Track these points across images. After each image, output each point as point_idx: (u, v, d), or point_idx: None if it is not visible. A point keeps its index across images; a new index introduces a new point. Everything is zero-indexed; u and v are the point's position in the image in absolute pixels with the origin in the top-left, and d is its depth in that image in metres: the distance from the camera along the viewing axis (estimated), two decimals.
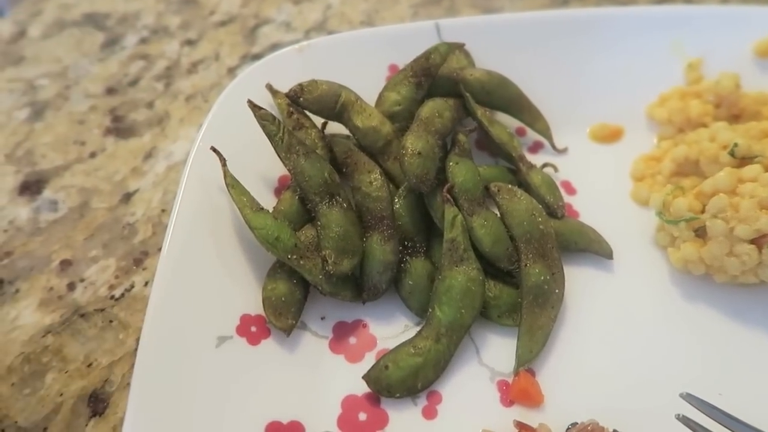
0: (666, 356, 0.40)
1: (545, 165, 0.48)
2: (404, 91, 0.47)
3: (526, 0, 0.67)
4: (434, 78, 0.47)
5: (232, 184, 0.41)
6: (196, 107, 0.57)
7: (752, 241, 0.39)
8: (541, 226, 0.41)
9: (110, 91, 0.59)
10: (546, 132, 0.50)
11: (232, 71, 0.60)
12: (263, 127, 0.43)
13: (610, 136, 0.51)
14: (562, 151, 0.50)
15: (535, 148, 0.51)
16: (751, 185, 0.40)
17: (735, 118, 0.48)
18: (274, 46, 0.63)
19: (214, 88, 0.58)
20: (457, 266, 0.39)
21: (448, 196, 0.41)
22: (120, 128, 0.55)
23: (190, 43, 0.63)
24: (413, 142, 0.42)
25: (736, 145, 0.41)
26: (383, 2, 0.67)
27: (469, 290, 0.39)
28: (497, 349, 0.40)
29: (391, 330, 0.40)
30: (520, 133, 0.52)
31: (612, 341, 0.40)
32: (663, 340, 0.41)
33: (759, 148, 0.42)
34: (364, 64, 0.51)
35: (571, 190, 0.48)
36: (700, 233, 0.41)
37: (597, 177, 0.49)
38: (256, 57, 0.61)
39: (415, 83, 0.47)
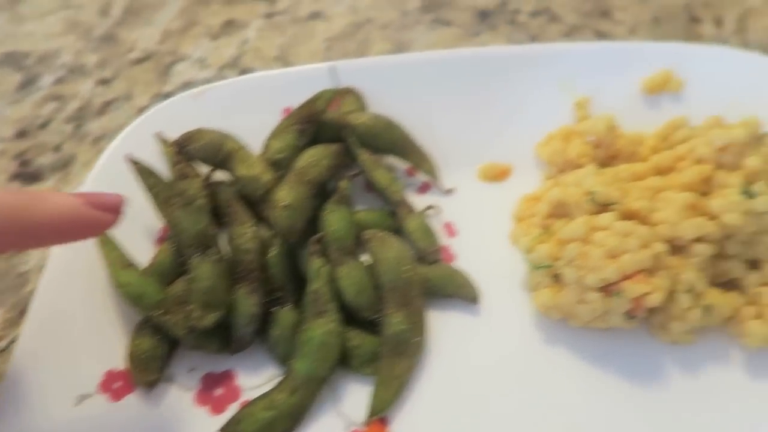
0: (521, 401, 0.41)
1: (428, 207, 0.49)
2: (288, 139, 0.48)
3: (439, 33, 0.68)
4: (319, 124, 0.49)
5: (103, 241, 0.42)
6: (102, 150, 0.57)
7: (600, 289, 0.40)
8: (405, 274, 0.43)
9: (21, 134, 0.60)
10: (433, 173, 0.51)
11: (141, 111, 0.61)
12: (141, 180, 0.44)
13: (498, 175, 0.52)
14: (449, 192, 0.51)
15: (424, 188, 0.52)
16: (602, 234, 0.41)
17: (612, 158, 0.49)
18: (187, 84, 0.64)
19: (121, 129, 0.59)
20: (317, 318, 0.41)
21: (316, 246, 0.42)
22: (26, 173, 0.56)
23: (104, 82, 0.64)
24: (283, 194, 0.43)
25: (593, 192, 0.42)
26: (298, 37, 0.68)
27: (326, 342, 0.40)
28: (356, 399, 0.41)
29: (257, 380, 0.42)
30: (411, 174, 0.53)
31: (470, 387, 0.42)
32: (521, 385, 0.42)
33: (617, 195, 0.43)
34: (258, 109, 0.52)
35: (452, 232, 0.49)
36: (559, 279, 0.43)
37: (481, 218, 0.50)
38: (167, 96, 0.62)
39: (298, 130, 0.48)
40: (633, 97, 0.54)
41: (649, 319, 0.43)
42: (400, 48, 0.66)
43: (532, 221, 0.48)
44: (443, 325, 0.44)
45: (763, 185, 0.41)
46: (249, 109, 0.52)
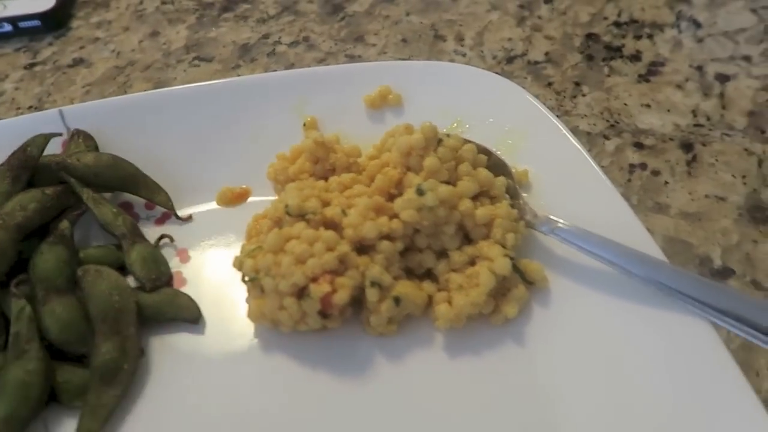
0: (243, 413, 0.43)
1: (161, 237, 0.51)
2: (1, 187, 0.48)
3: (199, 69, 0.70)
4: (33, 170, 0.49)
5: None
6: None
7: (293, 294, 0.43)
8: (117, 304, 0.44)
9: None
10: (167, 204, 0.53)
11: None
12: None
13: (235, 198, 0.55)
14: (187, 220, 0.53)
15: (163, 219, 0.54)
16: (293, 242, 0.44)
17: (331, 171, 0.53)
18: None
19: None
20: (17, 359, 0.41)
21: (15, 289, 0.43)
22: None
23: None
24: None
25: (287, 205, 0.45)
26: (57, 84, 0.69)
27: (25, 383, 0.40)
28: None
29: None
30: (150, 207, 0.54)
31: (191, 405, 0.43)
32: (242, 397, 0.44)
33: (313, 206, 0.46)
34: None
35: (185, 258, 0.51)
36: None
37: (217, 241, 0.52)
38: None
39: (12, 177, 0.49)
40: (359, 113, 0.58)
41: (360, 317, 0.47)
42: (160, 87, 0.68)
43: (259, 238, 0.51)
44: (166, 348, 0.46)
45: (433, 182, 0.45)
46: None
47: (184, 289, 0.49)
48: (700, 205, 0.55)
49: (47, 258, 0.45)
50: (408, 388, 0.44)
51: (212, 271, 0.50)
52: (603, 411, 0.42)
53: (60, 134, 0.51)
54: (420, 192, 0.45)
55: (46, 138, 0.50)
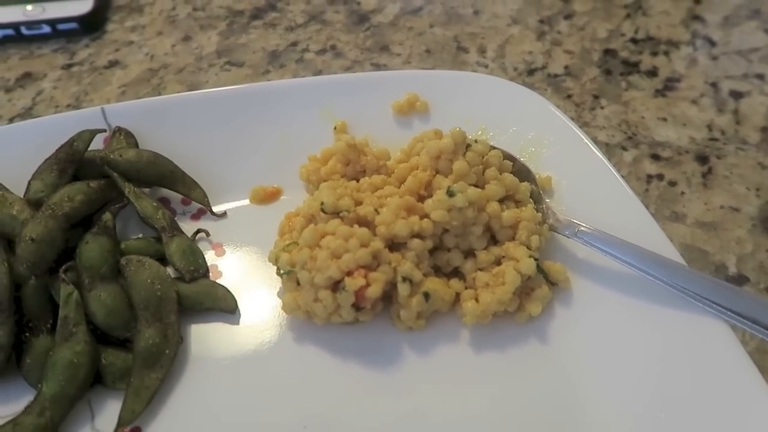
0: (276, 398, 0.45)
1: (198, 232, 0.53)
2: (48, 179, 0.50)
3: (230, 74, 0.73)
4: (79, 163, 0.51)
5: None
6: None
7: (328, 287, 0.45)
8: (159, 293, 0.46)
9: None
10: (203, 200, 0.55)
11: None
12: None
13: (268, 197, 0.57)
14: (221, 216, 0.55)
15: (199, 214, 0.56)
16: (329, 238, 0.46)
17: (361, 173, 0.55)
18: None
19: None
20: (65, 342, 0.43)
21: (63, 275, 0.45)
22: None
23: None
24: (30, 229, 0.46)
25: (322, 203, 0.47)
26: (93, 84, 0.71)
27: (72, 363, 0.42)
28: (113, 413, 0.43)
29: (16, 408, 0.43)
30: (186, 202, 0.56)
31: (227, 390, 0.45)
32: (274, 384, 0.46)
33: (347, 204, 0.48)
34: (32, 156, 0.53)
35: (220, 252, 0.53)
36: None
37: (250, 237, 0.54)
38: None
39: (59, 170, 0.51)
40: (387, 119, 0.60)
41: (389, 311, 0.48)
42: (193, 89, 0.71)
43: (292, 235, 0.53)
44: (203, 336, 0.48)
45: (462, 185, 0.47)
46: (23, 155, 0.54)
47: (220, 281, 0.51)
48: (715, 215, 0.57)
49: (92, 247, 0.47)
50: (435, 380, 0.46)
51: (246, 265, 0.52)
52: (622, 408, 0.44)
53: (104, 131, 0.54)
54: (450, 193, 0.47)
55: (92, 134, 0.52)
